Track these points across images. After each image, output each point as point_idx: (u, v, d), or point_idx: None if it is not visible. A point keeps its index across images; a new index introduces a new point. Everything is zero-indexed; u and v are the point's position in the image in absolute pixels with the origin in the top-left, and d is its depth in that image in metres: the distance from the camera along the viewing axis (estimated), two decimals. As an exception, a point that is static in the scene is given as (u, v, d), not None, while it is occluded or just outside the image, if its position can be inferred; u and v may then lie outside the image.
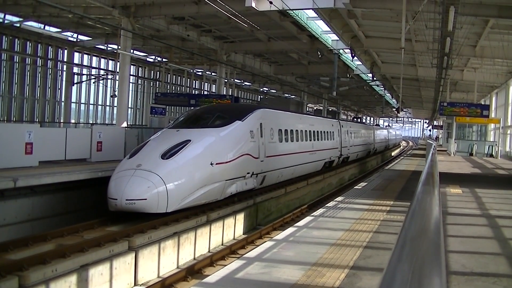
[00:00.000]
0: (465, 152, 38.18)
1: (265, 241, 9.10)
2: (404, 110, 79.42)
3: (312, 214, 10.74)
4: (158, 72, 44.43)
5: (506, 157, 34.95)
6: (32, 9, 25.70)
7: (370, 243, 7.93)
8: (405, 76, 34.69)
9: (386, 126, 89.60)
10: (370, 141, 44.39)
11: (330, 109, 64.68)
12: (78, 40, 34.77)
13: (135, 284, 10.28)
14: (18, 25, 29.95)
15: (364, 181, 18.81)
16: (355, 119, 58.59)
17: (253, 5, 20.47)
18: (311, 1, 20.46)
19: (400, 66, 28.09)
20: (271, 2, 18.70)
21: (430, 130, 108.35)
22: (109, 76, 38.85)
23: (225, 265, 7.59)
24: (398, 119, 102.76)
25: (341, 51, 33.29)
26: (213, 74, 40.63)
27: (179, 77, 48.07)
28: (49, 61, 34.31)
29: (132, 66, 38.04)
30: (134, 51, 34.87)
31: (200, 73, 45.33)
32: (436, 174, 6.53)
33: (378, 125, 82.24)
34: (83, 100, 38.65)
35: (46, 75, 34.14)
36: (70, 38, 34.44)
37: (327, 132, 27.38)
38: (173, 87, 47.13)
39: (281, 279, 6.07)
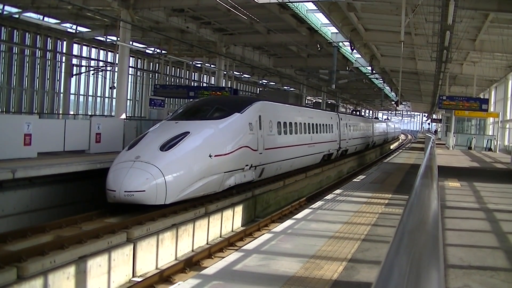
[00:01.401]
0: (463, 146, 38.16)
1: (263, 234, 9.11)
2: (403, 103, 79.47)
3: (310, 207, 10.76)
4: (157, 64, 44.35)
5: (504, 151, 34.96)
6: (31, 0, 25.60)
7: (368, 236, 7.95)
8: (404, 70, 34.56)
9: (385, 119, 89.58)
10: (369, 134, 44.40)
11: (329, 102, 64.67)
12: (77, 31, 34.67)
13: (133, 276, 10.29)
14: (17, 16, 29.85)
15: (363, 174, 18.83)
16: (354, 112, 58.59)
17: (253, -3, 20.43)
18: (311, -7, 20.43)
19: (400, 59, 27.98)
20: (270, -6, 18.66)
21: (429, 124, 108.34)
22: (108, 68, 38.74)
23: (223, 257, 7.60)
24: (397, 112, 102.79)
25: (340, 44, 33.22)
26: (212, 66, 40.54)
27: (178, 69, 48.01)
28: (48, 52, 34.23)
29: (131, 58, 37.95)
30: (133, 43, 34.79)
31: (199, 65, 45.25)
32: (435, 167, 6.54)
33: (377, 118, 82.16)
34: (82, 92, 38.62)
35: (45, 67, 34.07)
36: (69, 30, 34.33)
37: (326, 125, 27.38)
38: (172, 79, 47.07)
39: (279, 271, 6.08)
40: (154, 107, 34.80)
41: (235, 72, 45.95)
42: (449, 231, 8.21)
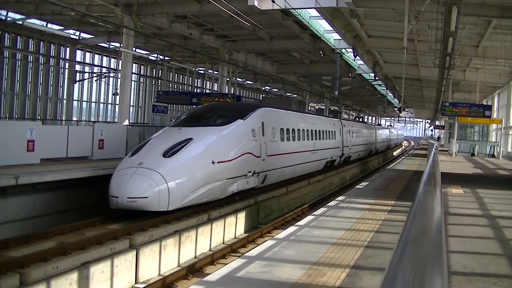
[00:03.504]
0: (466, 152, 38.12)
1: (266, 240, 9.10)
2: (406, 110, 79.37)
3: (313, 213, 10.75)
4: (160, 71, 44.45)
5: (507, 157, 34.92)
6: (35, 6, 25.72)
7: (371, 243, 7.93)
8: (407, 76, 34.59)
9: (388, 125, 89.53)
10: (371, 140, 44.34)
11: (332, 109, 64.68)
12: (81, 38, 34.79)
13: (136, 282, 10.28)
14: (20, 22, 29.97)
15: (366, 180, 18.81)
16: (357, 119, 58.56)
17: (256, 4, 20.43)
18: (314, 0, 20.40)
19: (402, 66, 28.01)
20: (273, 1, 18.66)
21: (432, 130, 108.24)
22: (111, 74, 38.87)
23: (226, 264, 7.60)
24: (400, 119, 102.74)
25: (343, 50, 33.24)
26: (215, 72, 40.61)
27: (181, 76, 48.11)
28: (51, 58, 34.34)
29: (134, 64, 38.07)
30: (136, 49, 34.85)
31: (202, 72, 45.35)
32: (438, 174, 6.53)
33: (380, 124, 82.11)
34: (85, 98, 38.69)
35: (48, 73, 34.17)
36: (72, 36, 34.47)
37: (329, 131, 27.35)
38: (175, 85, 47.16)
39: (282, 278, 6.07)
40: (157, 114, 34.87)
41: (238, 79, 46.02)
42: (453, 237, 8.20)
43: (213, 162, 13.76)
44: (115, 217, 12.39)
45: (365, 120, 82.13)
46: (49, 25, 31.88)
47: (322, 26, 29.27)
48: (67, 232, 11.00)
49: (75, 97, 36.99)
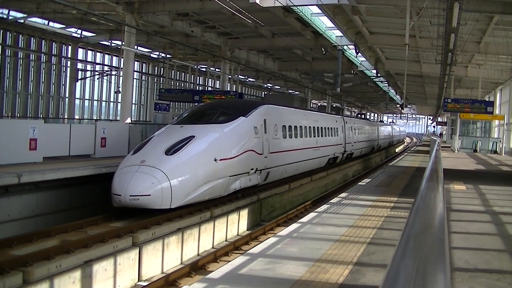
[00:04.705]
0: (469, 148, 38.05)
1: (269, 237, 9.10)
2: (408, 106, 79.29)
3: (316, 210, 10.76)
4: (162, 68, 44.40)
5: (510, 153, 34.86)
6: (36, 5, 25.73)
7: (374, 240, 7.94)
8: (409, 73, 34.54)
9: (390, 122, 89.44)
10: (374, 137, 44.33)
11: (334, 105, 64.60)
12: (82, 36, 34.78)
13: (139, 280, 10.30)
14: (22, 21, 29.97)
15: (368, 177, 18.82)
16: (359, 115, 58.52)
17: (257, 1, 20.42)
18: (315, -3, 20.39)
19: (404, 62, 27.98)
20: (275, -2, 18.64)
21: (434, 127, 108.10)
22: (113, 72, 38.84)
23: (229, 261, 7.60)
24: (402, 115, 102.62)
25: (345, 47, 33.13)
26: (217, 70, 40.55)
27: (183, 73, 48.06)
28: (53, 57, 34.34)
29: (136, 62, 38.01)
30: (138, 47, 34.84)
31: (204, 69, 45.30)
32: (440, 170, 6.52)
33: (382, 121, 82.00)
34: (87, 96, 38.71)
35: (50, 71, 34.16)
36: (74, 34, 34.45)
37: (331, 128, 27.34)
38: (177, 83, 47.12)
39: (285, 275, 6.08)
40: (159, 111, 34.85)
41: (240, 76, 45.97)
42: (455, 234, 8.19)
43: (215, 160, 13.77)
44: (117, 215, 12.42)
45: (367, 116, 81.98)
46: (51, 24, 31.89)
47: (323, 23, 29.19)
48: (70, 230, 11.02)
49: (77, 95, 37.01)
